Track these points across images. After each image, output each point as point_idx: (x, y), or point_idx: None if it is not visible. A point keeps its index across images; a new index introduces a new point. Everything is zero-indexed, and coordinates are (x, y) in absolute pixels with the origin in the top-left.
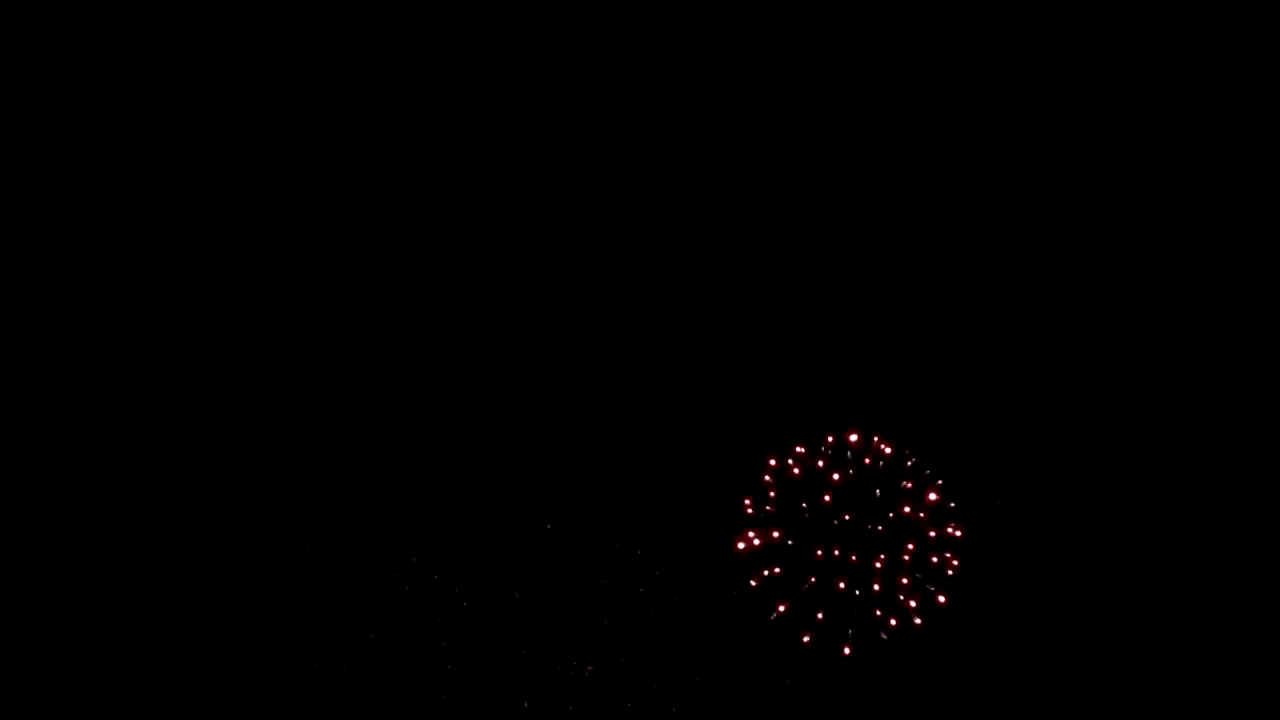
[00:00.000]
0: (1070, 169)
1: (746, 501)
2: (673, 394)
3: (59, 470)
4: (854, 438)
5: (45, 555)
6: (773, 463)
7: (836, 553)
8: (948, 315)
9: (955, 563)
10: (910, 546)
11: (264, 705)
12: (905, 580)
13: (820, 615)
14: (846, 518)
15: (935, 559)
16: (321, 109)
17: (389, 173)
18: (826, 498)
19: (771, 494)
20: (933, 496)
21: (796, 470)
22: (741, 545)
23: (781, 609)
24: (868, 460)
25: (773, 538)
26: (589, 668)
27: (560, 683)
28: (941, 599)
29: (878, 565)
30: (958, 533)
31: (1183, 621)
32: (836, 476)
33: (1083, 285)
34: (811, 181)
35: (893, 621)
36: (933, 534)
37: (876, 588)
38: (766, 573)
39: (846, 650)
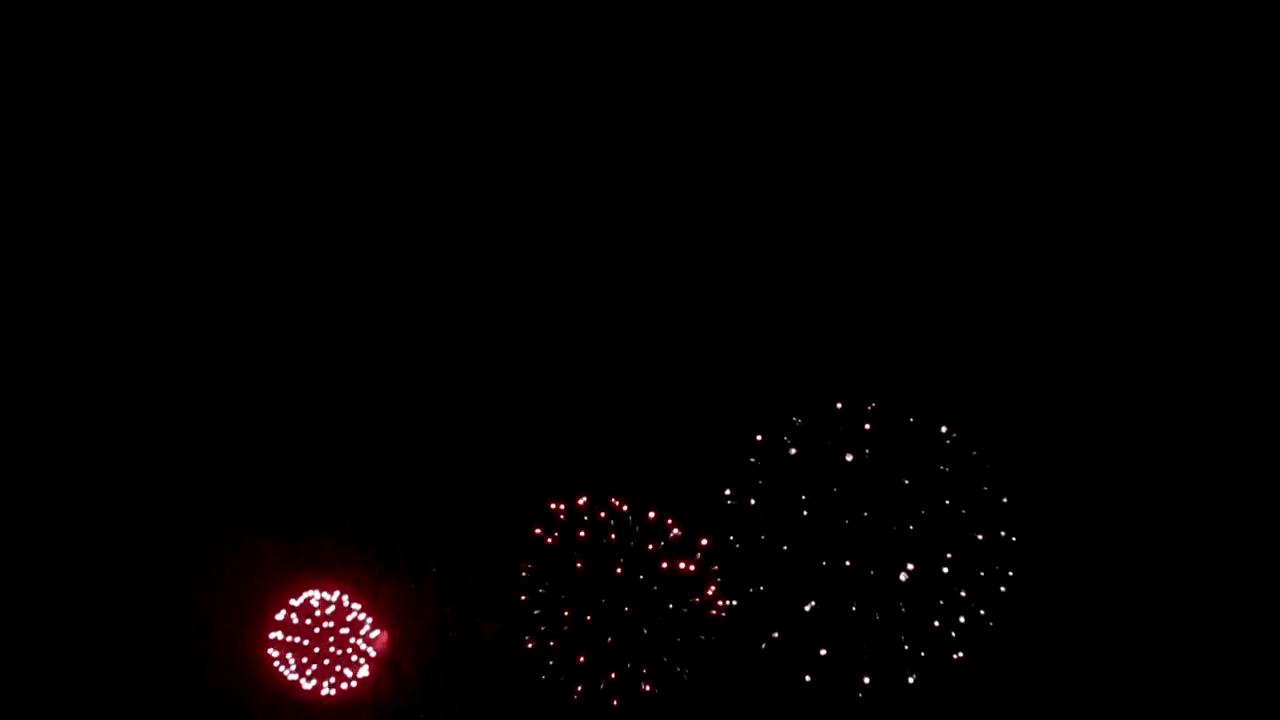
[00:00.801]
0: (1031, 171)
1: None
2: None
3: (64, 474)
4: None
5: (49, 557)
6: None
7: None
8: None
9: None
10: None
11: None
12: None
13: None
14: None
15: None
16: (321, 109)
17: (388, 173)
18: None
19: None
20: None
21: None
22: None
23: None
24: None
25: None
26: (600, 684)
27: (564, 694)
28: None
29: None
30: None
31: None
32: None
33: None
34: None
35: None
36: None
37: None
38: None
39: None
